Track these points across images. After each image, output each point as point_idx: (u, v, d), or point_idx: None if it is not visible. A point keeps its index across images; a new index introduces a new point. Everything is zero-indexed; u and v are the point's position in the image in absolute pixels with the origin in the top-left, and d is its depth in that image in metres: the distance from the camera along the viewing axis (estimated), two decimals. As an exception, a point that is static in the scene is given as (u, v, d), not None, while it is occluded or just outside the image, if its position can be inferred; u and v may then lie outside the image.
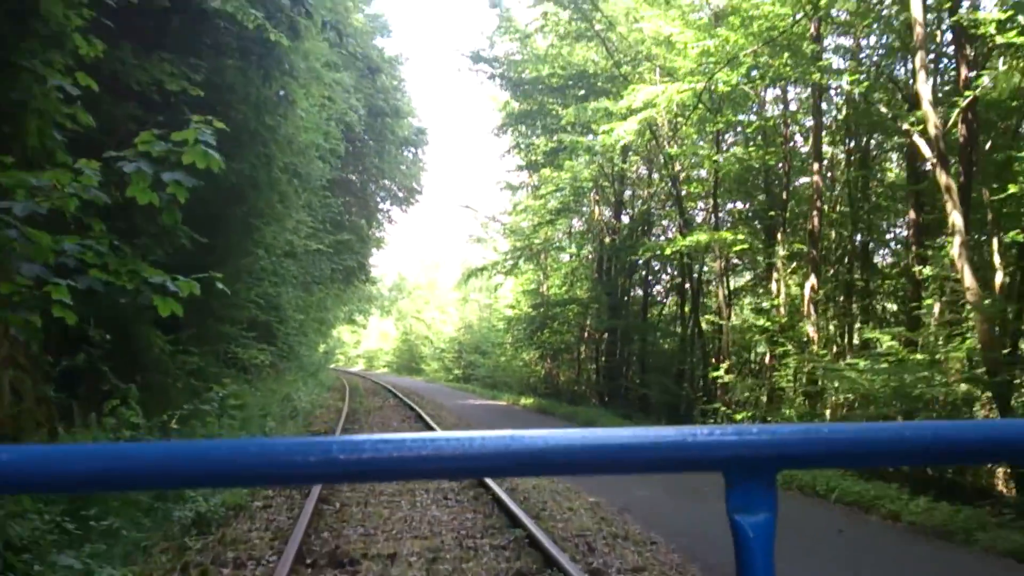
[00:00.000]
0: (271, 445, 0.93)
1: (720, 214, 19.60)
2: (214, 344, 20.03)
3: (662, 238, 25.02)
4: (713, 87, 15.31)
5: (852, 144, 17.95)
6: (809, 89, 16.92)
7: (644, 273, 24.39)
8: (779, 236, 18.24)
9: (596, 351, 28.28)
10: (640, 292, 26.39)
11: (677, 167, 20.03)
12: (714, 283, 21.40)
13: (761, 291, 21.32)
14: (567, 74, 21.61)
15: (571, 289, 30.79)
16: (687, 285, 21.73)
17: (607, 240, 26.74)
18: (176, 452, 0.94)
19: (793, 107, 18.90)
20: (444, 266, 73.83)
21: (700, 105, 17.55)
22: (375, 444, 0.91)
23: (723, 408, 17.72)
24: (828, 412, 13.94)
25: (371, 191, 39.11)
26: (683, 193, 20.56)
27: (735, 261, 21.65)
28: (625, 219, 27.52)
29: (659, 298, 26.03)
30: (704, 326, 21.04)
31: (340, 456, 0.90)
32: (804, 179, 19.39)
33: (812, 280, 15.78)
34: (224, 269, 18.41)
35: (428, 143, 38.63)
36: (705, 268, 21.51)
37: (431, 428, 17.76)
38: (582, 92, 21.08)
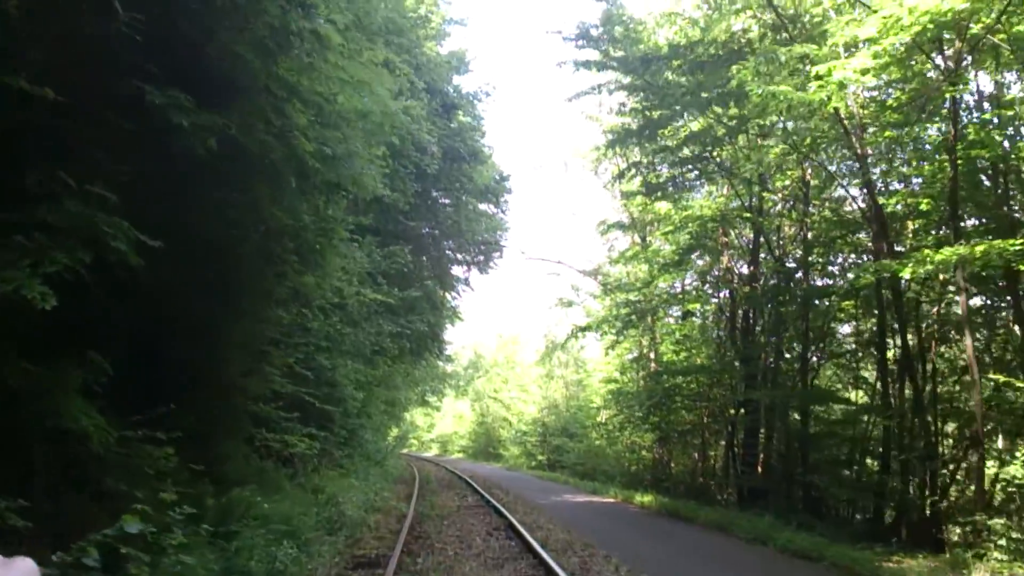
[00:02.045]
0: None
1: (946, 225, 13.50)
2: (229, 428, 14.85)
3: (819, 281, 19.06)
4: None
5: None
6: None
7: (803, 328, 18.33)
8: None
9: (730, 433, 22.05)
10: (792, 354, 20.14)
11: (876, 169, 14.37)
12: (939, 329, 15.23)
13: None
14: (712, 44, 16.11)
15: (689, 356, 24.80)
16: (898, 329, 15.28)
17: (743, 289, 20.89)
18: None
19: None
20: (524, 339, 68.30)
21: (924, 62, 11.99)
22: None
23: (987, 519, 11.54)
24: None
25: (444, 250, 34.08)
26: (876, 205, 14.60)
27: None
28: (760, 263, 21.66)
29: (820, 359, 19.68)
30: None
31: None
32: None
33: None
34: (239, 323, 13.28)
35: (511, 192, 33.60)
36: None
37: (532, 550, 11.94)
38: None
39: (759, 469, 20.59)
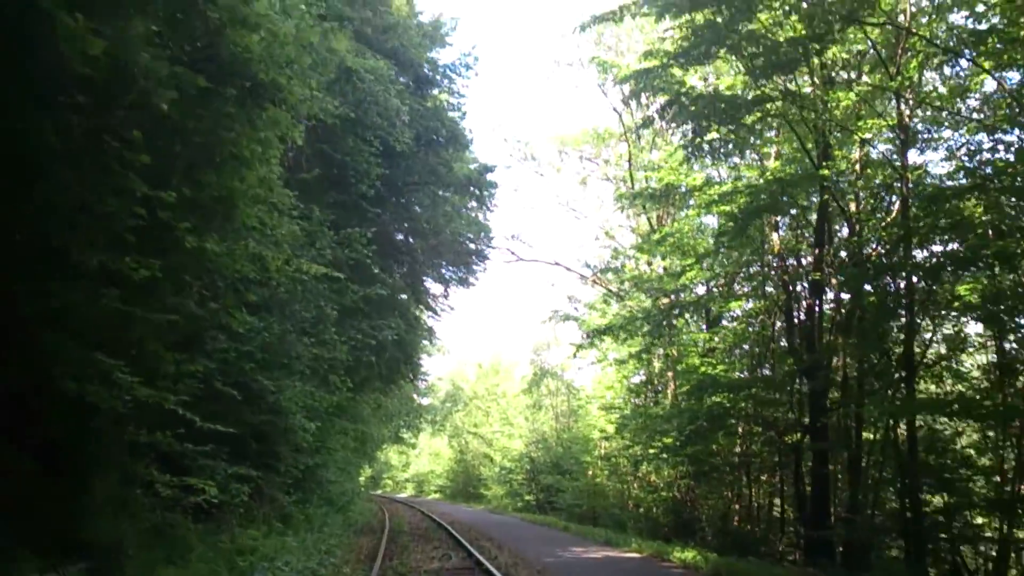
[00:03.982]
0: None
1: None
2: (89, 465, 9.81)
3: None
4: None
5: None
6: None
7: (907, 319, 13.40)
8: None
9: (793, 468, 16.94)
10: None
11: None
12: None
13: None
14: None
15: (727, 371, 19.73)
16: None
17: (814, 275, 15.95)
18: None
19: None
20: (509, 366, 63.11)
21: None
22: None
23: None
24: None
25: (421, 258, 28.88)
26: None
27: None
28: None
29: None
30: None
31: None
32: None
33: None
34: (51, 282, 7.50)
35: (496, 188, 28.56)
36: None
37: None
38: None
39: (830, 513, 15.65)
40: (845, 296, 16.32)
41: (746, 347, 21.03)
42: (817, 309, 16.32)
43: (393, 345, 23.90)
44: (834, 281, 15.78)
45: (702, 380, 17.66)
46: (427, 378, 45.91)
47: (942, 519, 13.22)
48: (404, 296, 28.22)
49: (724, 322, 21.94)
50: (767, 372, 19.70)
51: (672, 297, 19.32)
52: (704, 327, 22.66)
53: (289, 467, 18.54)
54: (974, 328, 15.37)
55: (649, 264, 25.13)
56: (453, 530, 22.81)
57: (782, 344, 19.67)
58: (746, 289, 19.98)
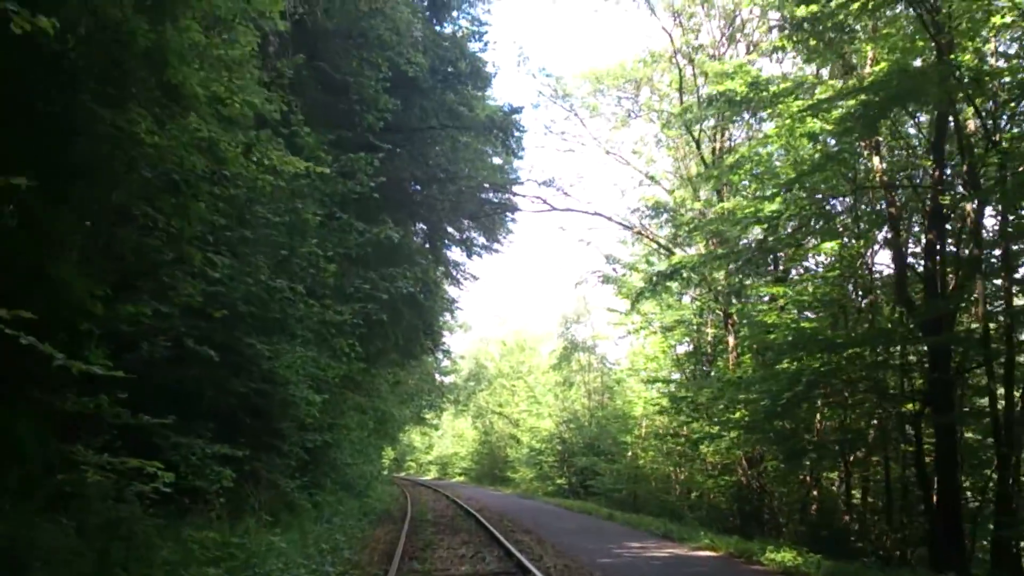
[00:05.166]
0: None
1: None
2: None
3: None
4: None
5: None
6: None
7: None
8: None
9: (913, 447, 13.54)
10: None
11: None
12: None
13: None
14: None
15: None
16: None
17: (942, 200, 12.59)
18: None
19: None
20: (535, 341, 59.98)
21: None
22: None
23: None
24: None
25: (440, 213, 25.61)
26: None
27: None
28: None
29: None
30: None
31: None
32: None
33: None
34: None
35: (524, 132, 25.20)
36: None
37: None
38: None
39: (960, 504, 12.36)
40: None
41: (826, 302, 17.66)
42: (939, 246, 12.98)
43: (409, 308, 20.82)
44: (969, 207, 12.41)
45: (795, 339, 14.22)
46: (449, 354, 43.04)
47: None
48: (423, 261, 25.09)
49: (794, 274, 18.62)
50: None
51: (755, 234, 15.83)
52: (776, 280, 19.30)
53: (293, 446, 15.66)
54: None
55: (703, 214, 21.81)
56: (483, 518, 19.88)
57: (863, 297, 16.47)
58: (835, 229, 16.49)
